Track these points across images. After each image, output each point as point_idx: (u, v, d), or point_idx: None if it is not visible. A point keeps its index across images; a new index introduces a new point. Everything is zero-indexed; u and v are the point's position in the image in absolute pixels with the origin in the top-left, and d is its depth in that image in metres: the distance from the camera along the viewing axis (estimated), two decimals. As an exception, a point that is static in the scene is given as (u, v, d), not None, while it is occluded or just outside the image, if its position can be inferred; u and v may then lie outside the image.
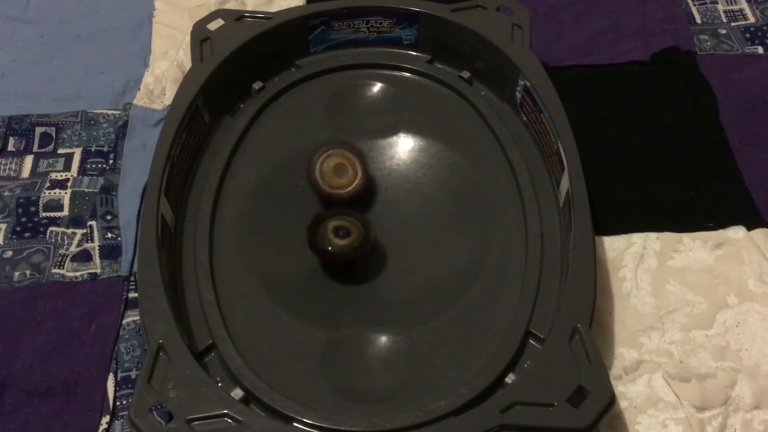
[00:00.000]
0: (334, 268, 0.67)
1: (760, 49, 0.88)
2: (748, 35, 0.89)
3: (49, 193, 0.76)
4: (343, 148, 0.70)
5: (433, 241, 0.69)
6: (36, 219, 0.74)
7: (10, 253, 0.72)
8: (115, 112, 0.83)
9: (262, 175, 0.72)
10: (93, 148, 0.80)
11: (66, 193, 0.76)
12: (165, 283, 0.59)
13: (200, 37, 0.74)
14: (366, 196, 0.71)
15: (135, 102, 0.83)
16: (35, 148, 0.80)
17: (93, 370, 0.65)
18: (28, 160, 0.79)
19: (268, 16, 0.77)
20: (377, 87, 0.78)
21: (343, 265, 0.67)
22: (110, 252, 0.72)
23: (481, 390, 0.56)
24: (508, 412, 0.53)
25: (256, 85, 0.76)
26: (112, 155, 0.79)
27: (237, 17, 0.76)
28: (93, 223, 0.74)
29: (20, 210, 0.75)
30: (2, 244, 0.73)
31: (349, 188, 0.69)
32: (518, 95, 0.73)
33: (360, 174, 0.69)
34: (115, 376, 0.65)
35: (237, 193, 0.70)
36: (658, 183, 0.77)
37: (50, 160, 0.79)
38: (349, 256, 0.65)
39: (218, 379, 0.58)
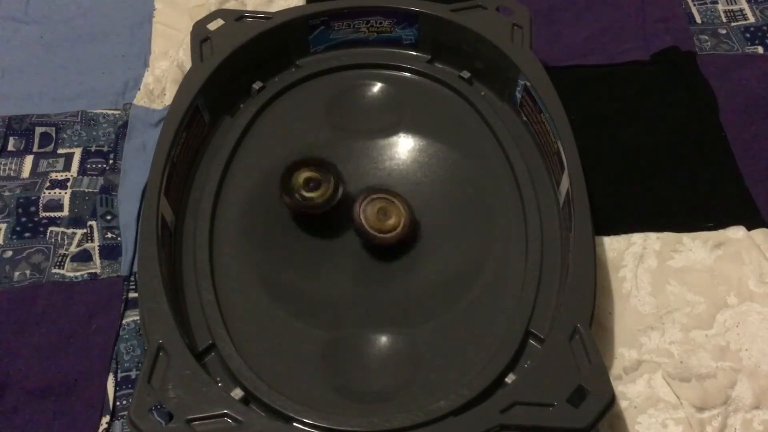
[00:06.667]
0: (307, 220, 0.68)
1: (760, 49, 0.88)
2: (748, 35, 0.89)
3: (49, 193, 0.76)
4: (386, 192, 0.68)
5: (433, 241, 0.69)
6: (36, 219, 0.74)
7: (10, 253, 0.72)
8: (115, 112, 0.83)
9: (262, 175, 0.72)
10: (93, 148, 0.80)
11: (66, 193, 0.76)
12: (165, 283, 0.59)
13: (200, 37, 0.75)
14: (412, 239, 0.69)
15: (135, 102, 0.83)
16: (35, 148, 0.80)
17: (93, 370, 0.65)
18: (28, 160, 0.79)
19: (268, 16, 0.77)
20: (377, 87, 0.78)
21: (313, 217, 0.68)
22: (110, 252, 0.72)
23: (481, 390, 0.56)
24: (508, 412, 0.53)
25: (256, 85, 0.76)
26: (112, 155, 0.79)
27: (237, 17, 0.76)
28: (93, 223, 0.74)
29: (20, 210, 0.75)
30: (2, 244, 0.73)
31: (395, 232, 0.67)
32: (518, 95, 0.73)
33: (404, 218, 0.67)
34: (115, 376, 0.65)
35: (237, 193, 0.70)
36: (658, 183, 0.76)
37: (50, 160, 0.79)
38: (320, 209, 0.67)
39: (218, 379, 0.58)
